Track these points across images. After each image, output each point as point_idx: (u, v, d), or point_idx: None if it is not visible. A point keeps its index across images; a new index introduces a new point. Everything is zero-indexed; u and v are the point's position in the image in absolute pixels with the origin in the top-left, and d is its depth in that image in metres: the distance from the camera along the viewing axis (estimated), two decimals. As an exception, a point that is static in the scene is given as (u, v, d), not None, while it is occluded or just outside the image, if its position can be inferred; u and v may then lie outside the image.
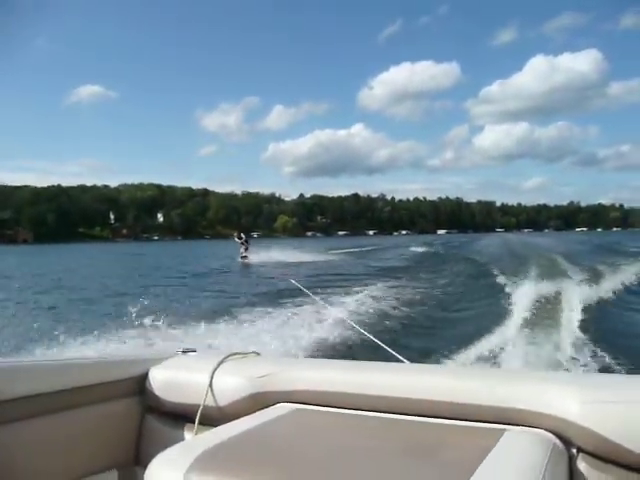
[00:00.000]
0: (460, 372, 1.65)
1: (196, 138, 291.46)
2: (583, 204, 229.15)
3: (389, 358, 2.01)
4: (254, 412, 1.48)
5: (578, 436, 1.21)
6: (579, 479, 1.21)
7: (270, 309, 9.79)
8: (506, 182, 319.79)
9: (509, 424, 1.27)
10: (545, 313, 8.33)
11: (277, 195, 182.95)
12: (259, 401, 1.57)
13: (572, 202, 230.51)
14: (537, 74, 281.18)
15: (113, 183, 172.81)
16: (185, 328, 7.64)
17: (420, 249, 37.08)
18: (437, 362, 5.63)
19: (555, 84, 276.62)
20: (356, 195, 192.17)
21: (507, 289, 11.64)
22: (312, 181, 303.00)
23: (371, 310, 9.57)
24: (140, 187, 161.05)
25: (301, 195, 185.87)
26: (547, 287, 10.73)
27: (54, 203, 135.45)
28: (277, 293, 12.42)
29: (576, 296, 9.51)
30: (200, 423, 1.55)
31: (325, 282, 15.42)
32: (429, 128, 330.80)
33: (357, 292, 11.95)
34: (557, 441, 1.22)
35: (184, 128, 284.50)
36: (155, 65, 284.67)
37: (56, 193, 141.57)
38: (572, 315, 7.98)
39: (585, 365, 5.70)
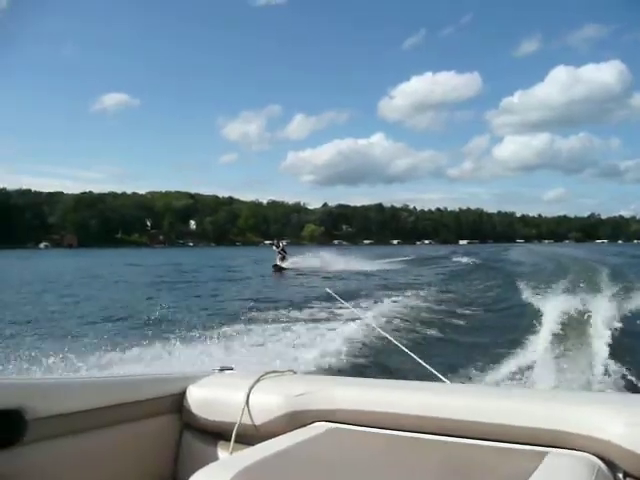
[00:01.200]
0: (499, 392, 1.62)
1: (217, 146, 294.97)
2: (604, 216, 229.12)
3: (423, 374, 2.23)
4: (291, 431, 1.48)
5: (624, 459, 1.16)
6: None
7: (302, 323, 9.86)
8: (525, 193, 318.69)
9: (551, 446, 1.24)
10: (575, 329, 8.24)
11: (302, 204, 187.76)
12: (296, 420, 1.55)
13: (593, 214, 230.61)
14: (559, 85, 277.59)
15: (140, 190, 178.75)
16: (225, 344, 7.63)
17: (465, 259, 36.14)
18: (469, 378, 5.69)
19: (577, 95, 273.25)
20: (380, 205, 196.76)
21: (533, 301, 11.73)
22: (331, 190, 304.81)
23: (404, 320, 9.85)
24: (169, 195, 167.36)
25: (325, 204, 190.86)
26: (576, 301, 10.33)
27: (95, 209, 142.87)
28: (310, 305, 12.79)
29: (607, 311, 9.28)
30: (236, 441, 1.54)
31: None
32: (449, 138, 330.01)
33: (395, 300, 12.54)
34: (602, 465, 1.18)
35: (205, 136, 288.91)
36: (178, 73, 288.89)
37: (94, 200, 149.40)
38: (603, 332, 7.78)
39: (621, 385, 5.63)
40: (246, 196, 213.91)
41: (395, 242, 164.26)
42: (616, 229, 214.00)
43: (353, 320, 9.32)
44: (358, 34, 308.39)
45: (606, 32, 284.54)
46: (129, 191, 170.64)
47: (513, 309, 12.12)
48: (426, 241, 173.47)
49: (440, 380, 2.00)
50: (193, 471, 1.12)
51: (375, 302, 12.87)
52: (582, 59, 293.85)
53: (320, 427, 1.48)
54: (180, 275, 30.05)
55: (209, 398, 1.71)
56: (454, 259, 37.23)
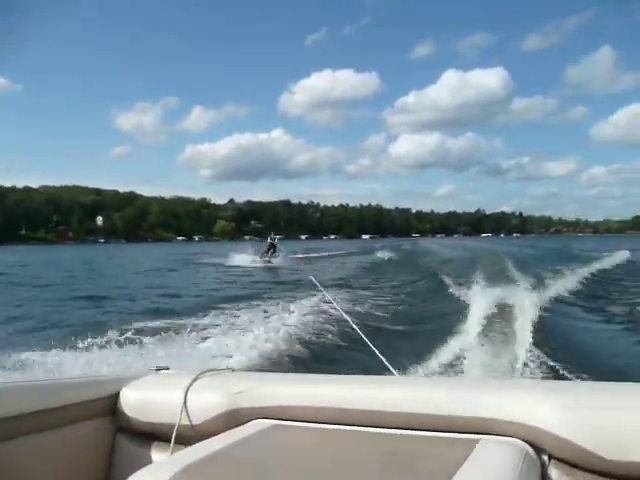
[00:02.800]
0: (431, 383, 1.66)
1: (109, 137, 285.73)
2: (488, 212, 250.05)
3: (370, 367, 2.31)
4: (230, 429, 1.46)
5: (550, 444, 1.22)
6: None
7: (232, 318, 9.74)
8: (418, 189, 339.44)
9: (483, 434, 1.29)
10: (499, 320, 8.43)
11: (208, 200, 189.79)
12: (235, 418, 1.54)
13: (479, 210, 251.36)
14: (450, 88, 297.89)
15: (32, 184, 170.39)
16: (161, 344, 7.28)
17: (387, 254, 36.34)
18: (400, 371, 5.46)
19: (466, 98, 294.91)
20: (288, 202, 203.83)
21: (462, 295, 11.89)
22: (230, 185, 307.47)
23: (328, 318, 9.41)
24: (70, 189, 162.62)
25: (231, 200, 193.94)
26: (500, 293, 10.69)
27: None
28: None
29: (527, 302, 9.55)
30: (175, 442, 1.51)
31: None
32: (348, 135, 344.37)
33: (311, 298, 11.67)
34: (530, 449, 1.23)
35: (96, 127, 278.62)
36: (70, 62, 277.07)
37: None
38: (526, 321, 8.05)
39: (544, 371, 5.84)
40: (146, 190, 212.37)
41: (303, 237, 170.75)
42: (499, 223, 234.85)
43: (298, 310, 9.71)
44: (260, 28, 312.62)
45: (493, 40, 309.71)
46: (19, 185, 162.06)
47: (440, 301, 12.32)
48: (332, 236, 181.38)
49: (389, 371, 2.11)
50: (129, 475, 1.09)
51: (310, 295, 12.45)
52: (471, 64, 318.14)
53: (259, 424, 1.47)
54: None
55: (144, 399, 1.66)
56: (378, 254, 37.60)
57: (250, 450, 1.29)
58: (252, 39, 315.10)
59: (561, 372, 5.75)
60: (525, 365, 6.08)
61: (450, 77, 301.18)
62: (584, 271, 17.86)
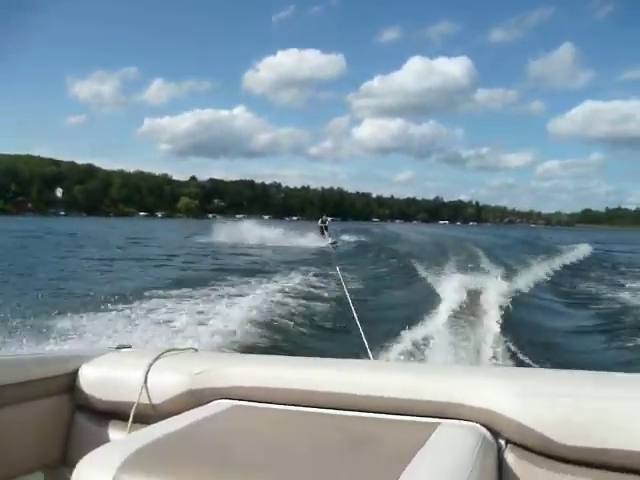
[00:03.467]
0: (396, 367, 1.68)
1: (64, 106, 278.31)
2: (446, 199, 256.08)
3: (317, 352, 2.81)
4: (190, 409, 1.45)
5: (506, 428, 1.25)
6: (507, 469, 1.25)
7: (196, 298, 9.48)
8: (379, 174, 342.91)
9: (443, 417, 1.31)
10: (467, 308, 8.49)
11: (169, 175, 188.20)
12: (196, 398, 1.54)
13: (437, 197, 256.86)
14: (415, 74, 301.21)
15: None
16: (124, 321, 7.14)
17: (351, 238, 36.70)
18: (366, 356, 7.80)
19: (430, 85, 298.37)
20: (252, 182, 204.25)
21: (430, 282, 11.88)
22: (189, 160, 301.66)
23: (294, 302, 9.32)
24: (21, 158, 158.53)
25: (193, 177, 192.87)
26: (468, 281, 10.75)
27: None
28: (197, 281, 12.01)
29: (495, 291, 9.64)
30: (134, 422, 1.49)
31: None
32: (311, 116, 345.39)
33: (278, 282, 11.61)
34: (487, 433, 1.27)
35: (50, 93, 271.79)
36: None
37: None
38: (492, 310, 8.19)
39: (509, 358, 5.99)
40: (103, 162, 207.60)
41: (266, 217, 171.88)
42: (456, 211, 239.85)
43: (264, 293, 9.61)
44: (225, 2, 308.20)
45: (459, 29, 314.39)
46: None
47: (411, 287, 12.41)
48: (294, 217, 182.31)
49: (359, 355, 2.12)
50: (86, 453, 1.08)
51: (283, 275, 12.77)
52: (436, 52, 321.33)
53: (220, 405, 1.47)
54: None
55: (104, 377, 1.64)
56: (343, 237, 37.30)
57: (209, 430, 1.28)
58: (217, 13, 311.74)
59: (524, 359, 5.84)
60: (491, 351, 6.18)
61: (416, 63, 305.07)
62: (551, 263, 18.18)
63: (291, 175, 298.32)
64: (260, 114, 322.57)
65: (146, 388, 1.58)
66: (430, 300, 9.39)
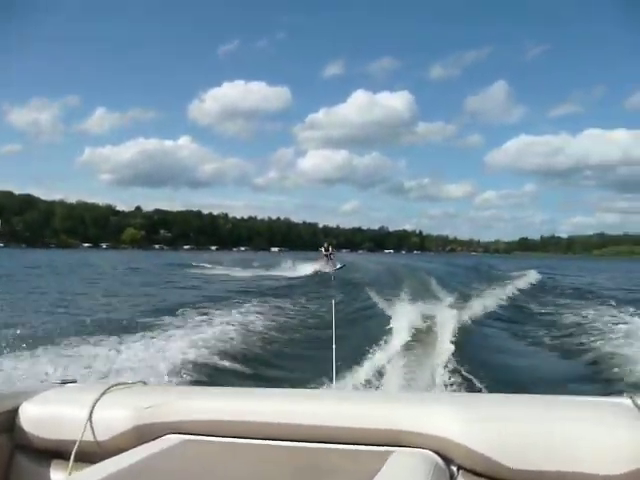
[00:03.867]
0: (348, 397, 1.69)
1: None
2: (391, 229, 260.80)
3: (273, 383, 2.69)
4: (139, 446, 1.41)
5: (458, 454, 1.27)
6: None
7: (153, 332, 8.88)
8: (325, 204, 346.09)
9: (396, 446, 1.32)
10: (421, 335, 8.56)
11: (113, 206, 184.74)
12: (145, 433, 1.49)
13: (382, 227, 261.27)
14: (358, 107, 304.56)
15: None
16: (67, 355, 6.67)
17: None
18: (319, 387, 5.40)
19: (373, 118, 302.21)
20: (199, 212, 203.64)
21: (385, 310, 11.86)
22: (131, 190, 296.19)
23: (246, 333, 9.16)
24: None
25: (138, 207, 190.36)
26: (422, 309, 10.88)
27: None
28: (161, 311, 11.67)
29: (448, 318, 9.78)
30: (78, 460, 1.43)
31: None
32: (257, 148, 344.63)
33: (231, 313, 11.35)
34: (440, 460, 1.28)
35: None
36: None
37: None
38: (445, 337, 8.21)
39: (460, 385, 5.99)
40: (41, 192, 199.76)
41: (214, 248, 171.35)
42: (400, 240, 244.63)
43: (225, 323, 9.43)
44: (170, 33, 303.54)
45: (400, 65, 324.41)
46: None
47: (365, 315, 12.46)
48: (242, 247, 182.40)
49: (311, 385, 1.99)
50: None
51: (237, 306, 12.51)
52: (379, 86, 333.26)
53: (170, 440, 1.44)
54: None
55: (47, 414, 1.58)
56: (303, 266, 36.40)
57: (158, 466, 1.24)
58: (162, 43, 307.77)
59: (476, 385, 5.92)
60: (444, 377, 6.26)
61: (359, 97, 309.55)
62: (501, 290, 18.57)
63: (237, 206, 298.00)
64: (205, 144, 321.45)
65: (91, 424, 1.51)
66: (385, 328, 9.33)
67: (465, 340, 8.45)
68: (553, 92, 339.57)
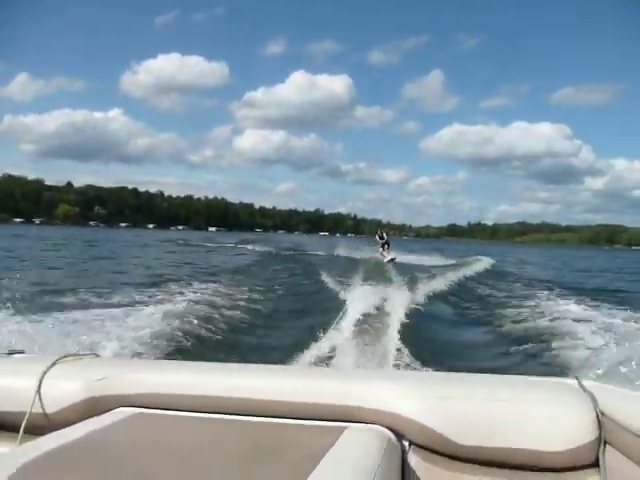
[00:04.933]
0: (303, 372, 1.72)
1: None
2: (326, 212, 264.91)
3: (229, 359, 2.66)
4: (90, 418, 1.39)
5: (410, 430, 1.31)
6: (410, 471, 1.31)
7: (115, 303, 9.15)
8: (261, 185, 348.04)
9: (350, 421, 1.35)
10: (375, 315, 8.65)
11: (41, 180, 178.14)
12: (96, 406, 1.47)
13: (318, 209, 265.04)
14: (298, 88, 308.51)
15: None
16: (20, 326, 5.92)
17: (255, 248, 37.20)
18: (275, 363, 5.03)
19: (312, 99, 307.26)
20: (136, 189, 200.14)
21: (339, 291, 12.13)
22: (55, 163, 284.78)
23: (204, 310, 9.02)
24: None
25: (69, 183, 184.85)
26: (376, 290, 11.02)
27: None
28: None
29: (398, 299, 9.94)
30: (27, 432, 1.40)
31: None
32: (193, 124, 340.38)
33: (186, 292, 11.23)
34: (392, 436, 1.31)
35: None
36: None
37: None
38: (396, 317, 8.34)
39: (411, 363, 6.12)
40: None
41: (151, 226, 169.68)
42: (336, 223, 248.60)
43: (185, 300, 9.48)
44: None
45: (340, 49, 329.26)
46: None
47: (319, 296, 12.48)
48: (180, 227, 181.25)
49: (267, 362, 2.05)
50: None
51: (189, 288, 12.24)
52: (319, 68, 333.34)
53: (122, 412, 1.42)
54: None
55: None
56: (249, 247, 38.77)
57: (108, 440, 1.24)
58: (92, 9, 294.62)
59: (428, 364, 5.97)
60: (395, 357, 6.34)
61: (299, 78, 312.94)
62: (453, 274, 18.81)
63: (171, 183, 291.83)
64: (138, 118, 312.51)
65: (40, 396, 1.48)
66: (338, 309, 9.18)
67: (417, 321, 8.66)
68: (485, 84, 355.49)
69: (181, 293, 11.16)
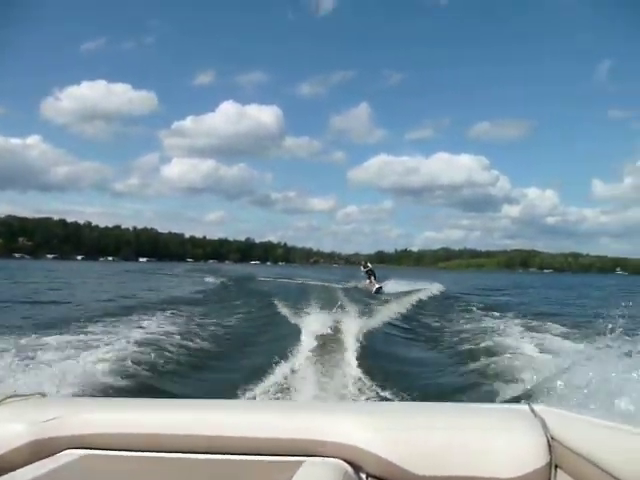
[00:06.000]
0: (257, 406, 1.70)
1: None
2: (257, 240, 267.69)
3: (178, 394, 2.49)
4: (36, 462, 1.34)
5: (367, 462, 1.31)
6: None
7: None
8: (188, 214, 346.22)
9: (307, 455, 1.34)
10: (328, 345, 8.53)
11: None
12: (43, 449, 1.41)
13: (248, 238, 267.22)
14: (227, 117, 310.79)
15: None
16: None
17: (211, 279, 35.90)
18: (229, 397, 5.32)
19: (241, 129, 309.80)
20: (63, 220, 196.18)
21: (292, 320, 11.87)
22: None
23: (158, 342, 8.76)
24: None
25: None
26: (329, 319, 10.77)
27: None
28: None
29: (354, 328, 9.84)
30: None
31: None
32: (118, 152, 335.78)
33: (140, 322, 10.93)
34: (349, 469, 1.31)
35: None
36: None
37: None
38: (352, 345, 8.34)
39: (367, 393, 6.05)
40: None
41: (79, 257, 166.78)
42: (266, 252, 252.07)
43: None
44: (23, 24, 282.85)
45: (271, 80, 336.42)
46: None
47: (274, 326, 12.32)
48: (109, 257, 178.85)
49: (221, 396, 1.99)
50: None
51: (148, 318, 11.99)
52: (248, 99, 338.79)
53: (71, 455, 1.37)
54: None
55: None
56: (205, 279, 37.42)
57: None
58: (12, 32, 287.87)
59: (383, 394, 5.98)
60: (352, 387, 6.32)
61: (228, 107, 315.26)
62: (406, 300, 19.15)
63: (93, 212, 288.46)
64: (59, 145, 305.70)
65: None
66: (293, 338, 9.11)
67: (371, 350, 8.52)
68: (410, 117, 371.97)
69: (130, 325, 10.78)
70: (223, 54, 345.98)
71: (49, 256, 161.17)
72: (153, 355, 7.79)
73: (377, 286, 25.95)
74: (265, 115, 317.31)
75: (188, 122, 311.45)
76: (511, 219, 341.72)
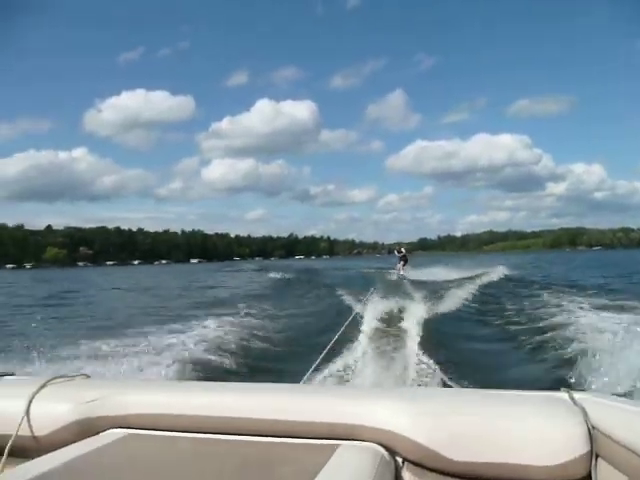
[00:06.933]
0: (296, 390, 1.67)
1: None
2: (300, 236, 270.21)
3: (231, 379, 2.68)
4: (81, 440, 1.38)
5: (403, 447, 1.32)
6: None
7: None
8: (230, 213, 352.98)
9: (343, 439, 1.36)
10: (391, 330, 8.65)
11: (20, 225, 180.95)
12: (87, 428, 1.47)
13: (292, 234, 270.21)
14: (263, 116, 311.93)
15: None
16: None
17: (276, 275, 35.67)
18: (292, 379, 4.83)
19: (277, 126, 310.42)
20: (119, 228, 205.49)
21: (358, 308, 11.09)
22: (22, 207, 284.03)
23: (225, 335, 9.05)
24: None
25: (49, 226, 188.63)
26: (394, 305, 10.90)
27: None
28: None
29: (417, 313, 9.82)
30: (14, 456, 1.37)
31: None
32: (159, 158, 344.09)
33: (210, 318, 11.07)
34: (385, 453, 1.32)
35: None
36: None
37: None
38: (414, 332, 8.26)
39: (426, 379, 6.00)
40: None
41: (136, 262, 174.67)
42: (310, 246, 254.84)
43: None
44: (65, 40, 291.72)
45: (304, 75, 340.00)
46: None
47: (338, 313, 12.04)
48: (163, 261, 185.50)
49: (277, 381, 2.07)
50: None
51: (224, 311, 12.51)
52: (283, 95, 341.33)
53: (114, 434, 1.41)
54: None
55: None
56: (269, 275, 37.47)
57: (101, 462, 1.22)
58: (57, 49, 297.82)
59: (443, 380, 5.91)
60: (412, 372, 6.32)
61: (263, 106, 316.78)
62: (471, 285, 18.68)
63: (138, 218, 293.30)
64: (104, 155, 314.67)
65: (28, 419, 1.47)
66: (355, 325, 8.84)
67: (435, 337, 8.40)
68: (445, 101, 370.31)
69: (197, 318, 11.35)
70: (255, 53, 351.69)
71: (108, 263, 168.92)
72: (247, 338, 8.94)
73: (401, 273, 27.13)
74: (300, 110, 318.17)
75: (225, 123, 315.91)
76: (557, 197, 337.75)
